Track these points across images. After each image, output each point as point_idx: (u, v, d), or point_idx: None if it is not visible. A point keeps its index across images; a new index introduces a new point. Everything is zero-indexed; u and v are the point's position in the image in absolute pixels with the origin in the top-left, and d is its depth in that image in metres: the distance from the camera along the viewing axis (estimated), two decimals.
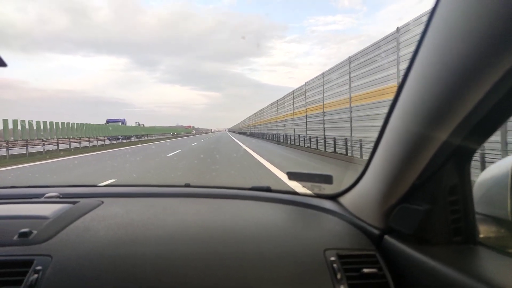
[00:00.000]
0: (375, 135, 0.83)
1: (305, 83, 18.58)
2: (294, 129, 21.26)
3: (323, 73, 15.45)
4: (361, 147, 10.56)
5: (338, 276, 0.77)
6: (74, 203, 1.06)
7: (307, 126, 19.56)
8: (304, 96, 18.84)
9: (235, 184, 1.35)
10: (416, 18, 8.22)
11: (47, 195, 1.18)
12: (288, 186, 3.69)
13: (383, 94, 9.63)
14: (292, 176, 1.20)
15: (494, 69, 0.48)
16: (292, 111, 21.83)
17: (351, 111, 12.05)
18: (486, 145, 4.48)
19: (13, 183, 1.48)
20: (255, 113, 51.05)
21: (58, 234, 0.85)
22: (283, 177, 7.22)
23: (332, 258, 0.81)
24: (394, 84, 9.18)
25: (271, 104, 33.32)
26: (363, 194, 0.94)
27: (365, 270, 0.78)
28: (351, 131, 11.97)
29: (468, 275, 0.59)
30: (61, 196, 1.18)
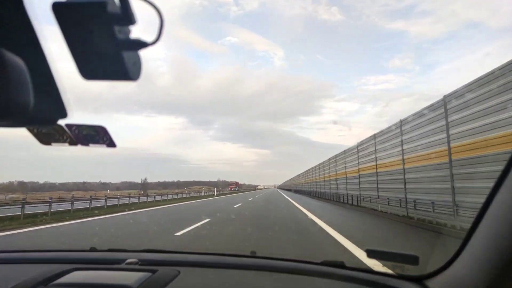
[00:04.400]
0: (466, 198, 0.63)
1: (361, 140, 17.74)
2: (359, 188, 19.06)
3: (400, 121, 13.03)
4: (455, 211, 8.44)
5: None
6: (153, 271, 1.08)
7: (360, 186, 18.61)
8: (357, 155, 18.10)
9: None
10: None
11: (127, 261, 1.22)
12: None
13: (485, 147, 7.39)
14: (371, 254, 1.10)
15: None
16: (356, 168, 19.99)
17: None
18: None
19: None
20: (307, 170, 50.08)
21: None
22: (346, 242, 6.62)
23: None
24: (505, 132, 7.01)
25: (323, 162, 32.74)
26: (460, 279, 0.81)
27: None
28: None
29: None
30: (139, 263, 1.22)
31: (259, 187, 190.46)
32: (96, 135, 0.57)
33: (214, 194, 47.64)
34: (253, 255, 1.36)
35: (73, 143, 0.56)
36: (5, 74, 0.36)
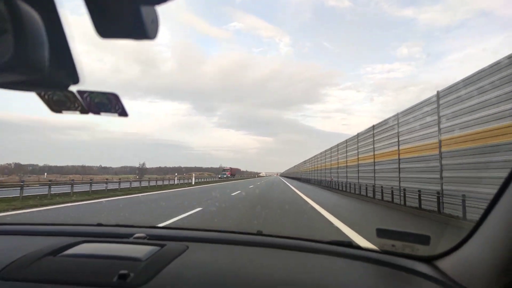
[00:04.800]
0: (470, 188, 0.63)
1: (376, 124, 17.21)
2: (358, 176, 19.90)
3: (397, 114, 13.65)
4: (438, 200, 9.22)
5: None
6: (161, 245, 1.07)
7: (359, 175, 19.02)
8: (356, 144, 18.15)
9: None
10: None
11: (135, 235, 1.21)
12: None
13: (496, 136, 7.37)
14: (381, 233, 1.07)
15: None
16: (356, 157, 20.69)
17: (440, 157, 9.88)
18: None
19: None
20: (311, 158, 50.16)
21: (153, 278, 0.85)
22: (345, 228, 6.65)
23: None
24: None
25: (326, 150, 32.83)
26: (472, 260, 0.81)
27: None
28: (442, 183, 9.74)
29: None
30: (148, 237, 1.21)
31: (261, 174, 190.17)
32: (108, 104, 0.55)
33: (192, 183, 36.43)
34: (260, 233, 1.36)
35: (84, 111, 0.54)
36: (23, 30, 0.34)
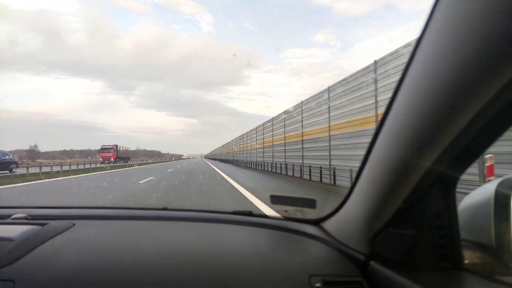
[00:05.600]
0: (352, 164, 0.89)
1: (284, 111, 19.44)
2: (273, 156, 22.06)
3: (301, 102, 16.09)
4: (334, 174, 11.53)
5: None
6: (42, 225, 0.99)
7: (273, 154, 21.28)
8: (283, 123, 19.66)
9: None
10: (391, 52, 9.04)
11: (13, 216, 1.09)
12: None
13: (364, 123, 10.11)
14: (275, 199, 1.17)
15: (478, 97, 0.49)
16: (271, 139, 22.78)
17: (329, 140, 12.68)
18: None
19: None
20: (234, 140, 51.28)
21: (23, 258, 0.79)
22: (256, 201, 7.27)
23: (318, 285, 0.79)
24: (372, 114, 9.74)
25: (247, 132, 34.14)
26: (347, 219, 0.93)
27: None
28: (330, 159, 12.55)
29: None
30: (29, 217, 1.10)
31: (183, 156, 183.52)
32: None
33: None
34: (164, 208, 1.33)
35: None
36: None
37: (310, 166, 14.27)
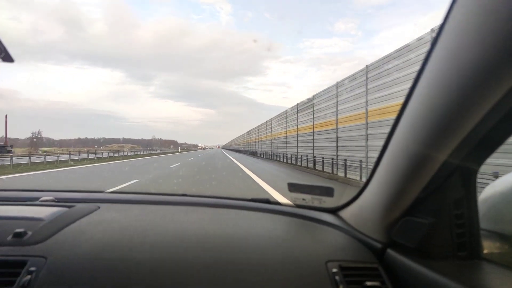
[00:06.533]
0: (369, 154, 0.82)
1: (297, 104, 19.34)
2: (286, 147, 22.06)
3: (337, 83, 13.83)
4: (345, 166, 11.20)
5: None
6: (70, 207, 1.04)
7: (287, 145, 21.42)
8: (296, 116, 19.49)
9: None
10: (418, 38, 8.06)
11: (42, 198, 1.15)
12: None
13: (383, 114, 9.25)
14: (292, 187, 1.17)
15: (498, 87, 0.48)
16: (285, 130, 22.67)
17: (337, 131, 12.62)
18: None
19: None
20: (250, 130, 50.70)
21: (53, 236, 0.84)
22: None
23: (334, 270, 0.79)
24: (396, 102, 8.55)
25: (266, 122, 33.42)
26: (365, 208, 0.93)
27: (368, 283, 0.77)
28: (337, 150, 12.54)
29: None
30: (56, 200, 1.16)
31: (199, 147, 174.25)
32: None
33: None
34: (183, 194, 1.36)
35: None
36: None
37: (345, 160, 11.70)
